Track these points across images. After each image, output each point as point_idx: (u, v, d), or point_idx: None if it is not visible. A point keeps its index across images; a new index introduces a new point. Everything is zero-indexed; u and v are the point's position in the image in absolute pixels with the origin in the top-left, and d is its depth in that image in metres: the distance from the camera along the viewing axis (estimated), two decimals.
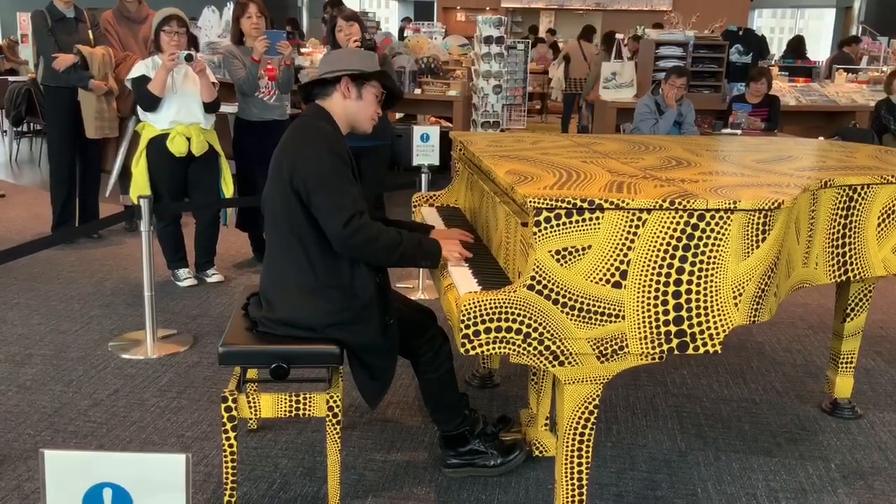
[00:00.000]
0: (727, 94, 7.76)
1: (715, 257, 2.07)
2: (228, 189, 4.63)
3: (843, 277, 2.77)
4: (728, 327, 2.11)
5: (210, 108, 4.44)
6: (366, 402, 2.56)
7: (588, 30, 11.62)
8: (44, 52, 5.24)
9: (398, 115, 9.12)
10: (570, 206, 2.03)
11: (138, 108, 4.45)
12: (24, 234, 5.61)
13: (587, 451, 2.25)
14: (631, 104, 7.35)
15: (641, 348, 2.10)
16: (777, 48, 18.34)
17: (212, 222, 4.79)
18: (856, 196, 2.69)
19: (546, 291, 2.04)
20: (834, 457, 2.99)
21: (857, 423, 3.26)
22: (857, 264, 2.77)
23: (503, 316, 2.05)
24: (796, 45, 10.67)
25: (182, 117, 4.37)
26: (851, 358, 3.28)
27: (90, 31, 5.29)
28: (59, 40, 5.15)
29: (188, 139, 4.37)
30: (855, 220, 2.72)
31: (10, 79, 10.02)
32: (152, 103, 4.29)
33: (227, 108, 6.20)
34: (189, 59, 4.25)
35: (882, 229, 2.79)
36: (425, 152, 4.61)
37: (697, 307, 2.08)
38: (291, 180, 2.40)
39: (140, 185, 4.36)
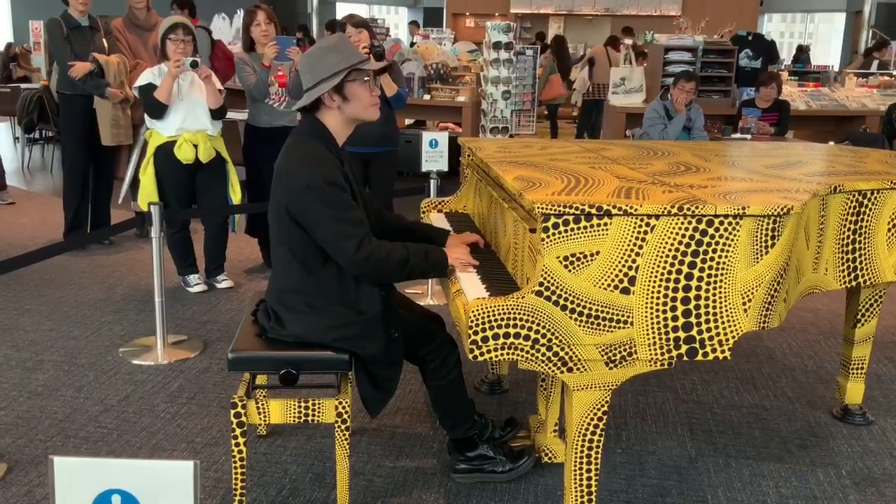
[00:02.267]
0: (737, 99, 7.75)
1: (724, 263, 2.06)
2: (236, 195, 4.65)
3: (853, 283, 2.76)
4: (737, 333, 2.10)
5: (216, 114, 4.46)
6: (367, 410, 2.56)
7: (614, 38, 11.58)
8: (60, 60, 5.27)
9: (407, 121, 9.15)
10: (579, 212, 2.03)
11: (145, 115, 4.47)
12: (35, 241, 5.64)
13: (596, 458, 2.25)
14: (640, 109, 7.35)
15: (650, 354, 2.10)
16: (787, 53, 18.31)
17: (220, 229, 4.81)
18: (865, 201, 2.68)
19: (554, 297, 2.04)
20: (845, 463, 2.97)
21: (868, 429, 3.24)
22: (867, 270, 2.76)
23: (511, 322, 2.05)
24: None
25: (189, 124, 4.39)
26: (862, 364, 3.26)
27: (104, 39, 5.32)
28: (74, 48, 5.18)
29: (195, 146, 4.39)
30: (865, 226, 2.71)
31: (23, 86, 10.09)
32: (159, 111, 4.32)
33: (236, 115, 6.24)
34: (194, 65, 4.28)
35: (892, 234, 2.78)
36: (434, 158, 4.62)
37: (706, 313, 2.08)
38: (288, 210, 2.39)
39: (148, 192, 4.38)
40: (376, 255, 2.37)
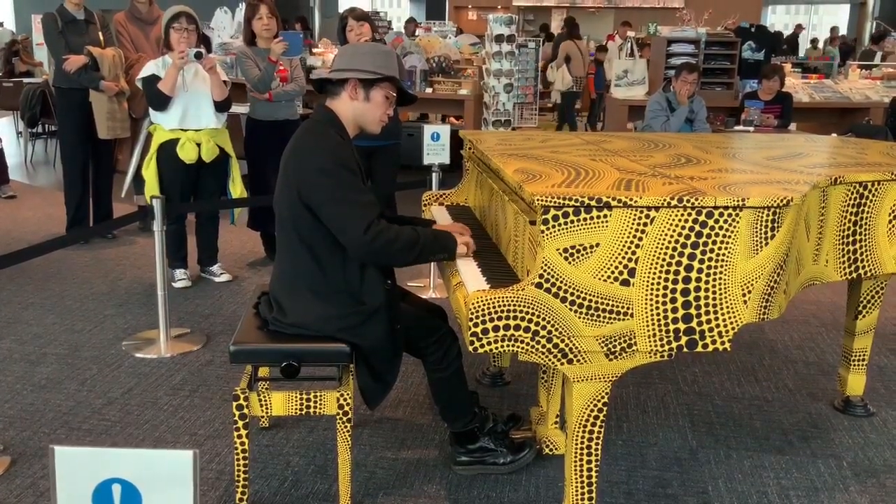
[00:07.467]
0: (739, 92, 7.73)
1: (723, 255, 2.07)
2: (236, 189, 4.62)
3: (854, 275, 2.76)
4: (737, 325, 2.11)
5: (221, 107, 4.41)
6: (365, 402, 2.57)
7: (574, 28, 11.69)
8: (55, 54, 5.29)
9: (411, 115, 9.14)
10: (578, 204, 2.04)
11: (149, 107, 4.46)
12: (38, 235, 5.66)
13: (596, 449, 2.25)
14: (642, 101, 7.33)
15: (650, 346, 2.11)
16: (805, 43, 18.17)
17: (213, 220, 4.78)
18: (866, 193, 2.68)
19: (554, 289, 2.05)
20: (846, 455, 2.98)
21: (869, 420, 3.25)
22: (867, 261, 2.76)
23: (511, 314, 2.06)
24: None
25: (191, 118, 4.35)
26: (863, 355, 3.26)
27: (100, 33, 5.33)
28: (69, 42, 5.19)
29: (198, 145, 4.37)
30: (865, 217, 2.71)
31: (25, 80, 10.10)
32: (163, 102, 4.28)
33: (237, 109, 6.23)
34: (199, 56, 4.23)
35: (893, 226, 2.77)
36: (436, 151, 4.62)
37: (706, 305, 2.08)
38: (299, 193, 2.41)
39: (151, 188, 4.36)
40: (385, 236, 2.38)
